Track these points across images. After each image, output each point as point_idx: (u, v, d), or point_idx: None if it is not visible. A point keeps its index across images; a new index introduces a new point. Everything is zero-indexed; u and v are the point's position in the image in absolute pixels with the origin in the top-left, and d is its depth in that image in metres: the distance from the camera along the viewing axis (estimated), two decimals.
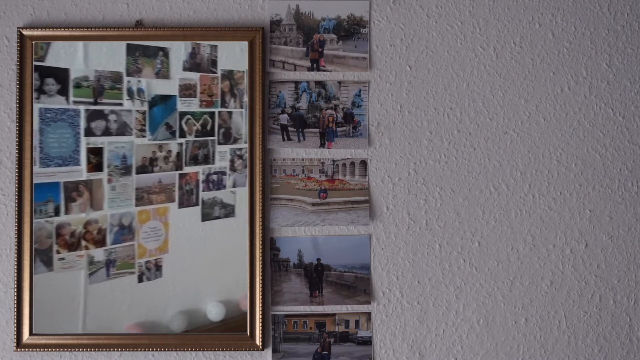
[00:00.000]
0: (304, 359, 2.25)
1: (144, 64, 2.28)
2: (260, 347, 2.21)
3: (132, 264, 2.25)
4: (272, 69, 2.28)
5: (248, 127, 2.24)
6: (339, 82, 2.29)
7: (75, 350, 2.20)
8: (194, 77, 2.30)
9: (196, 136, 2.30)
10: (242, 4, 2.29)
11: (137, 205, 2.27)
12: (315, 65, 2.29)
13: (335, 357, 2.25)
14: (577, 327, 2.28)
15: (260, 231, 2.22)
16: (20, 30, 2.22)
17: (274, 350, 2.24)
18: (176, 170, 2.29)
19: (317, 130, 2.29)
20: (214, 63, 2.29)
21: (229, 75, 2.30)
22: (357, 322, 2.26)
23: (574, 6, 2.32)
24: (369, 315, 2.26)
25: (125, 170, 2.26)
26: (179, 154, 2.29)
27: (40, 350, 2.20)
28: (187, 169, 2.30)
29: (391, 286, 2.27)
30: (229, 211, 2.29)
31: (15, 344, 2.18)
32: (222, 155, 2.29)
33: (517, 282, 2.28)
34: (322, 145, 2.29)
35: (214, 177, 2.29)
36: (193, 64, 2.29)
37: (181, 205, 2.29)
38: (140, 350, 2.20)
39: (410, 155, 2.29)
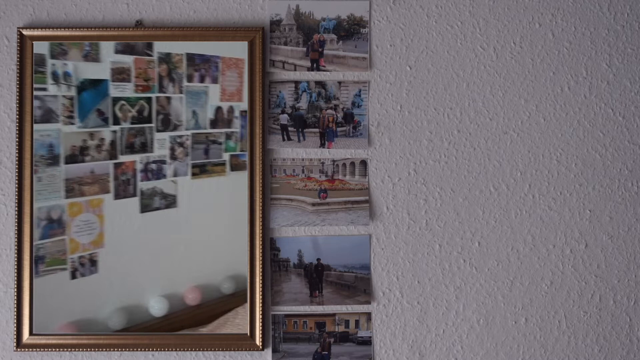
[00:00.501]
0: (304, 359, 2.25)
1: (70, 46, 2.20)
2: (260, 347, 2.21)
3: (64, 260, 2.18)
4: (272, 69, 2.28)
5: (248, 127, 2.24)
6: (339, 82, 2.29)
7: (75, 350, 2.20)
8: (128, 60, 2.22)
9: (132, 123, 2.21)
10: (242, 4, 2.29)
11: (67, 197, 2.19)
12: (315, 65, 2.29)
13: (335, 357, 2.25)
14: (577, 327, 2.28)
15: (260, 231, 2.22)
16: (20, 30, 2.22)
17: (274, 350, 2.24)
18: (110, 159, 2.21)
19: (317, 130, 2.29)
20: (149, 45, 2.22)
21: (166, 58, 2.22)
22: (357, 322, 2.26)
23: (574, 6, 2.32)
24: (369, 315, 2.26)
25: (53, 160, 2.19)
26: (113, 142, 2.20)
27: (40, 350, 2.20)
28: (122, 158, 2.21)
29: (391, 286, 2.27)
30: (170, 202, 2.21)
31: (15, 344, 2.18)
32: (162, 143, 2.21)
33: (517, 282, 2.28)
34: (322, 145, 2.29)
35: (153, 166, 2.21)
36: (126, 46, 2.22)
37: (117, 196, 2.21)
38: (140, 350, 2.20)
39: (410, 155, 2.29)
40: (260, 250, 2.22)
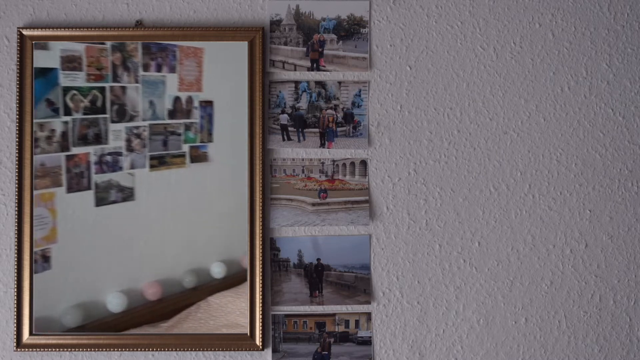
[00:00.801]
0: (304, 359, 2.25)
1: None
2: (260, 347, 2.21)
3: None
4: (272, 69, 2.28)
5: (248, 127, 2.24)
6: (339, 82, 2.29)
7: (75, 350, 2.20)
8: (79, 48, 2.17)
9: (84, 113, 2.15)
10: (242, 4, 2.29)
11: None
12: (315, 65, 2.29)
13: (335, 357, 2.25)
14: (577, 327, 2.28)
15: (260, 231, 2.22)
16: (20, 30, 2.22)
17: (274, 350, 2.24)
18: (62, 151, 2.15)
19: (317, 130, 2.29)
20: None
21: (120, 46, 2.18)
22: (357, 322, 2.26)
23: (574, 6, 2.32)
24: (369, 315, 2.26)
25: None
26: (64, 134, 2.15)
27: (40, 350, 2.20)
28: (75, 150, 2.16)
29: (391, 286, 2.27)
30: (127, 195, 2.15)
31: (15, 344, 2.18)
32: (117, 134, 2.15)
33: (517, 282, 2.28)
34: (322, 145, 2.29)
35: (108, 158, 2.15)
36: None
37: (70, 189, 2.15)
38: (140, 350, 2.20)
39: (410, 155, 2.29)
40: (260, 250, 2.22)
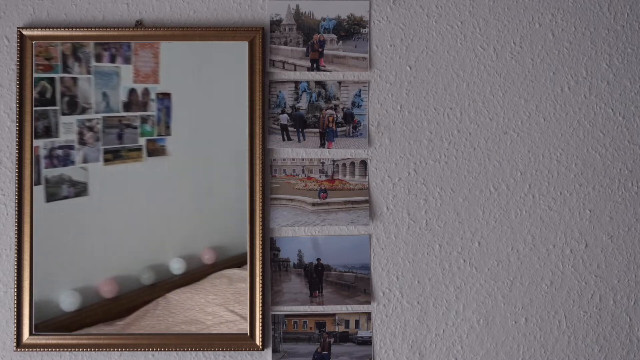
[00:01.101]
0: (304, 359, 2.25)
1: None
2: (260, 347, 2.21)
3: None
4: (272, 69, 2.28)
5: (248, 127, 2.24)
6: (339, 82, 2.29)
7: (75, 350, 2.20)
8: None
9: (33, 105, 2.14)
10: (242, 4, 2.29)
11: None
12: (315, 65, 2.29)
13: (335, 357, 2.25)
14: (577, 327, 2.28)
15: (261, 231, 2.22)
16: (20, 30, 2.22)
17: (274, 350, 2.24)
18: None
19: (317, 130, 2.29)
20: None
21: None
22: (357, 322, 2.26)
23: (574, 6, 2.32)
24: (369, 315, 2.26)
25: None
26: None
27: (40, 350, 2.20)
28: None
29: (391, 286, 2.27)
30: (80, 189, 2.10)
31: (15, 344, 2.18)
32: (68, 127, 2.09)
33: (517, 282, 2.28)
34: (322, 145, 2.29)
35: (59, 151, 2.10)
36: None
37: None
38: (140, 350, 2.20)
39: (410, 155, 2.29)
40: (260, 250, 2.22)
